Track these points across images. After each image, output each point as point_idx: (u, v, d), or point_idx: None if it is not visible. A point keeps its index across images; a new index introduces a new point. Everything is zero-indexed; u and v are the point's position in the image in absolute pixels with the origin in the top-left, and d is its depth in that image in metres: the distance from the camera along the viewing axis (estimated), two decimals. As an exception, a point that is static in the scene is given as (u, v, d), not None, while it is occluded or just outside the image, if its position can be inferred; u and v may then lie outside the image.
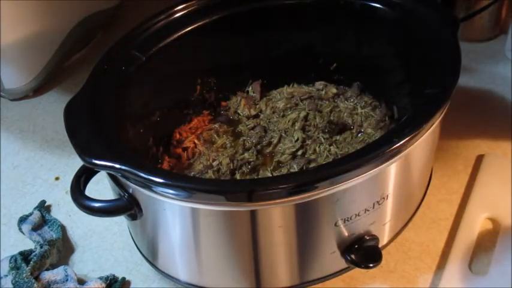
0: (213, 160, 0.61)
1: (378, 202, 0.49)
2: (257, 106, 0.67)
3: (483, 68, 0.78)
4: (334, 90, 0.67)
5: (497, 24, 0.82)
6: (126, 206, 0.48)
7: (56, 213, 0.65)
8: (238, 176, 0.60)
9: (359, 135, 0.62)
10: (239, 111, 0.68)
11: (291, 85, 0.69)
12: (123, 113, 0.54)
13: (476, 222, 0.59)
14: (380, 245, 0.52)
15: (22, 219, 0.63)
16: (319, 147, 0.61)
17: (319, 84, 0.68)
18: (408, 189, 0.53)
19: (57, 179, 0.69)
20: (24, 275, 0.55)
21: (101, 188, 0.62)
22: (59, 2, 0.78)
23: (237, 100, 0.68)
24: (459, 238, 0.57)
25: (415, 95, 0.53)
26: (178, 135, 0.65)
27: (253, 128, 0.65)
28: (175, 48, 0.60)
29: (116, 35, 0.58)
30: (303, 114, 0.64)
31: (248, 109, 0.67)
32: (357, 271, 0.54)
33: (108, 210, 0.48)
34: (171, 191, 0.44)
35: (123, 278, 0.57)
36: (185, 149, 0.64)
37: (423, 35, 0.55)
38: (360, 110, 0.64)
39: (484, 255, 0.56)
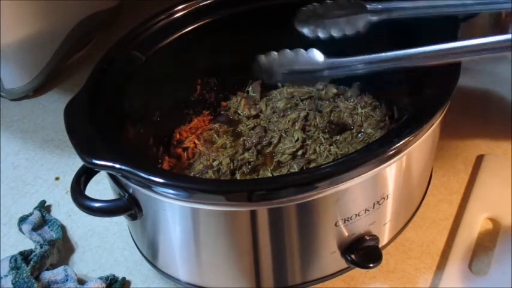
0: (213, 160, 0.61)
1: (378, 202, 0.49)
2: (257, 106, 0.67)
3: (483, 68, 0.78)
4: (334, 90, 0.67)
5: (497, 24, 0.82)
6: (126, 206, 0.48)
7: (56, 213, 0.65)
8: (238, 176, 0.60)
9: (359, 135, 0.62)
10: (239, 111, 0.68)
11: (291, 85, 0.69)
12: (123, 113, 0.54)
13: (476, 222, 0.59)
14: (380, 245, 0.52)
15: (22, 219, 0.63)
16: (319, 147, 0.61)
17: (319, 84, 0.68)
18: (408, 189, 0.53)
19: (57, 179, 0.69)
20: (24, 275, 0.55)
21: (101, 188, 0.62)
22: (59, 2, 0.78)
23: (237, 100, 0.68)
24: (459, 238, 0.57)
25: (415, 95, 0.53)
26: (178, 135, 0.65)
27: (253, 128, 0.65)
28: (175, 48, 0.60)
29: (116, 35, 0.58)
30: (303, 114, 0.64)
31: (248, 109, 0.67)
32: (357, 271, 0.54)
33: (108, 210, 0.48)
34: (171, 191, 0.44)
35: (123, 278, 0.57)
36: (185, 149, 0.64)
37: (423, 34, 0.55)
38: (360, 110, 0.65)
39: (484, 255, 0.56)
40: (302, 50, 0.52)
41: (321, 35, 0.55)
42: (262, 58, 0.55)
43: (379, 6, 0.53)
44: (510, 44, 0.41)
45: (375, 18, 0.53)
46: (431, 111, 0.47)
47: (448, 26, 0.53)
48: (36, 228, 0.62)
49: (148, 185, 0.45)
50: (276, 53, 0.54)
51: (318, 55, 0.51)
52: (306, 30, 0.56)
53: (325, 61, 0.51)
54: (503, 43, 0.42)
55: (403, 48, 0.49)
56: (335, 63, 0.51)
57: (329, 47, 0.60)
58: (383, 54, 0.48)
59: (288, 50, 0.53)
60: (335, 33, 0.55)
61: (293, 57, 0.53)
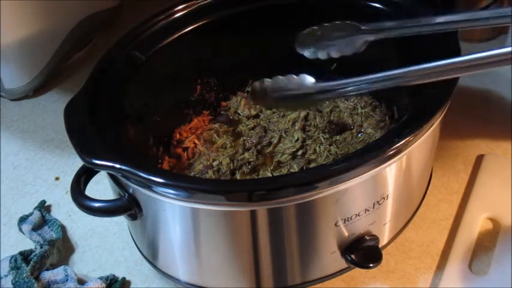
0: (213, 160, 0.61)
1: (378, 202, 0.49)
2: (257, 106, 0.67)
3: (483, 68, 0.78)
4: (334, 90, 0.67)
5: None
6: (126, 206, 0.48)
7: (56, 213, 0.65)
8: (238, 176, 0.60)
9: (359, 135, 0.62)
10: (239, 111, 0.68)
11: (291, 85, 0.69)
12: (123, 113, 0.54)
13: (476, 222, 0.59)
14: (380, 245, 0.52)
15: (22, 219, 0.63)
16: (319, 147, 0.61)
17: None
18: (408, 189, 0.53)
19: (57, 179, 0.69)
20: (24, 275, 0.55)
21: (101, 188, 0.62)
22: (59, 2, 0.78)
23: (237, 100, 0.68)
24: (459, 238, 0.57)
25: (415, 95, 0.53)
26: (178, 135, 0.65)
27: (253, 128, 0.65)
28: (175, 48, 0.60)
29: (116, 35, 0.58)
30: (303, 114, 0.64)
31: (248, 109, 0.67)
32: (357, 271, 0.54)
33: (108, 210, 0.48)
34: (171, 191, 0.44)
35: (123, 278, 0.57)
36: (185, 149, 0.64)
37: (423, 35, 0.55)
38: (360, 110, 0.64)
39: (484, 255, 0.56)
40: (293, 76, 0.53)
41: (321, 56, 0.56)
42: (256, 84, 0.56)
43: (373, 27, 0.54)
44: (511, 57, 0.41)
45: (371, 38, 0.54)
46: (431, 111, 0.47)
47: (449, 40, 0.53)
48: (36, 228, 0.62)
49: (148, 185, 0.45)
50: (269, 80, 0.55)
51: (308, 79, 0.52)
52: (306, 53, 0.57)
53: (316, 85, 0.52)
54: (504, 55, 0.42)
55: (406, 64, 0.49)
56: (326, 87, 0.51)
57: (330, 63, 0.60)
58: (373, 75, 0.49)
59: (279, 76, 0.54)
60: (334, 54, 0.56)
61: (285, 82, 0.53)
